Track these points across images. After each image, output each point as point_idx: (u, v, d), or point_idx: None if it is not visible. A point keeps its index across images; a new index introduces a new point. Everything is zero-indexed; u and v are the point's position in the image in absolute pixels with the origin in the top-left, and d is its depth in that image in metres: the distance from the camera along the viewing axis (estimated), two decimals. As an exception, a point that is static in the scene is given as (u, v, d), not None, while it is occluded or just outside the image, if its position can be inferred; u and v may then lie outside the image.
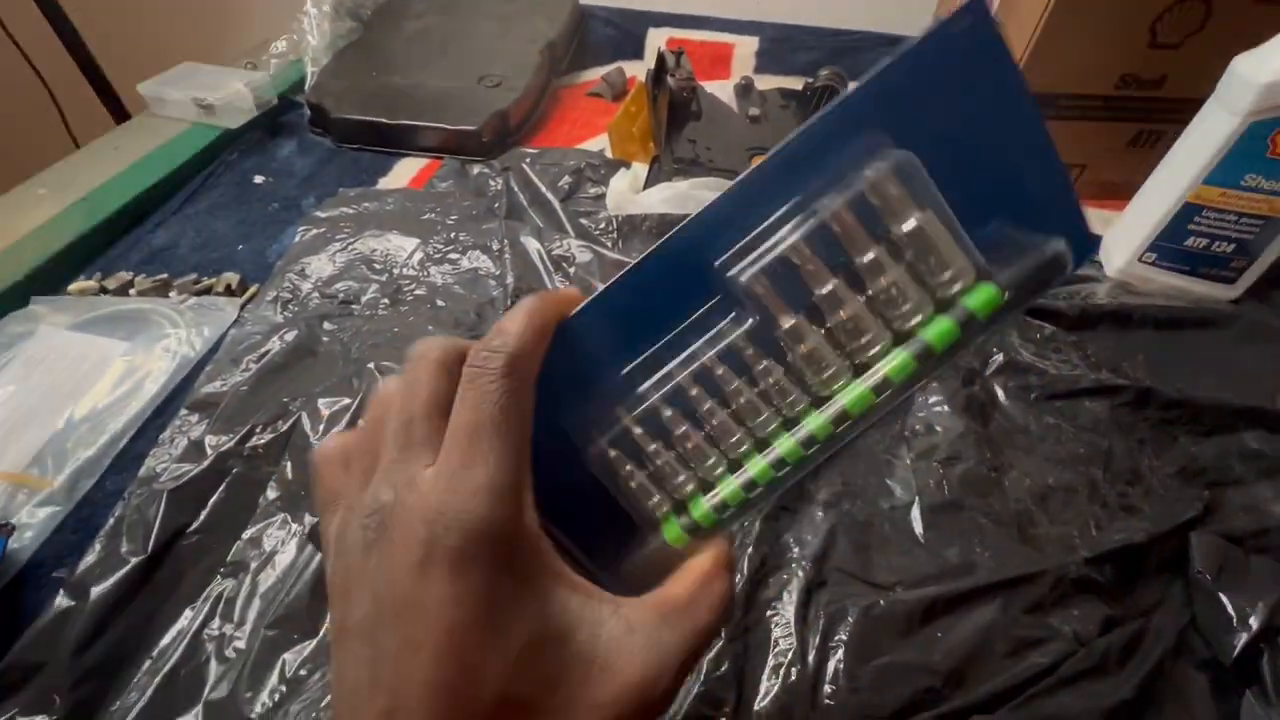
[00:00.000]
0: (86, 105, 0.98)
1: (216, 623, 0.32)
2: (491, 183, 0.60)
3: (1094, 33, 0.51)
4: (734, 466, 0.20)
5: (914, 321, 0.18)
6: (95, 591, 0.32)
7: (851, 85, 0.20)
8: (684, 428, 0.20)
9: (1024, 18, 0.52)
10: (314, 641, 0.31)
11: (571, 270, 0.50)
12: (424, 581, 0.16)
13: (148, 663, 0.31)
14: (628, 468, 0.20)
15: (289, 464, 0.38)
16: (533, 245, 0.51)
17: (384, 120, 0.65)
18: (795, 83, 0.74)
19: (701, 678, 0.30)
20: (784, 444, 0.19)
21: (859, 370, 0.19)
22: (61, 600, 0.32)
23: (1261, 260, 0.47)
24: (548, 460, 0.19)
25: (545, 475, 0.19)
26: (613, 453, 0.20)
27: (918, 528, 0.36)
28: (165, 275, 0.51)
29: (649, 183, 0.57)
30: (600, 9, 0.90)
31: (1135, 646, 0.31)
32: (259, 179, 0.63)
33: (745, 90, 0.71)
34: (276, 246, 0.55)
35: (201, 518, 0.36)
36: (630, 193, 0.57)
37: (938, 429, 0.40)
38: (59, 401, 0.41)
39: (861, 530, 0.35)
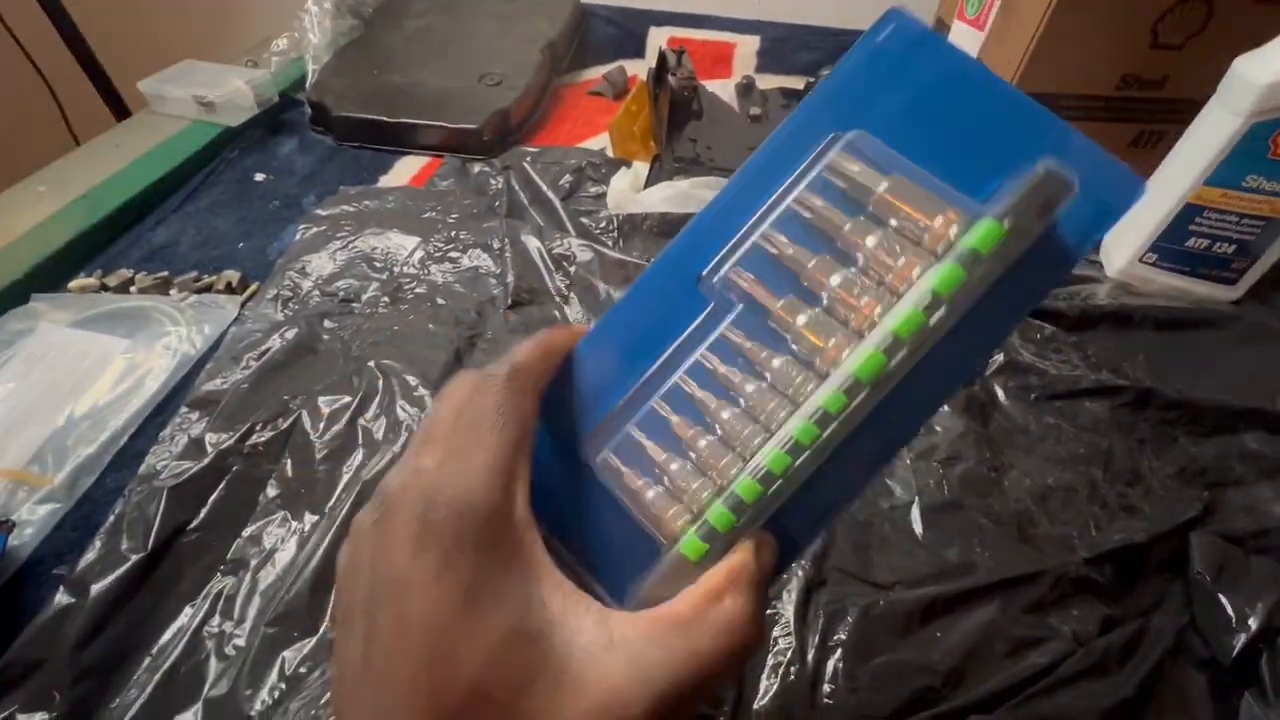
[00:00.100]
0: (87, 103, 0.98)
1: (216, 620, 0.32)
2: (492, 181, 0.60)
3: (1095, 33, 0.51)
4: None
5: (914, 276, 0.18)
6: (95, 588, 0.32)
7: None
8: (690, 431, 0.20)
9: (1025, 19, 0.52)
10: (313, 639, 0.31)
11: (572, 269, 0.50)
12: (416, 559, 0.16)
13: (147, 660, 0.31)
14: (639, 482, 0.20)
15: (289, 462, 0.38)
16: (533, 244, 0.51)
17: (385, 118, 0.65)
18: (796, 82, 0.74)
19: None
20: (798, 425, 0.18)
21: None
22: (61, 597, 0.32)
23: (1262, 261, 0.47)
24: (564, 485, 0.20)
25: (565, 503, 0.19)
26: (622, 466, 0.20)
27: (917, 527, 0.36)
28: (166, 273, 0.51)
29: (650, 182, 0.57)
30: (602, 8, 0.90)
31: (1134, 646, 0.31)
32: (260, 177, 0.63)
33: (746, 89, 0.71)
34: (277, 244, 0.55)
35: (202, 515, 0.36)
36: (631, 192, 0.57)
37: (937, 429, 0.40)
38: (59, 399, 0.41)
39: (861, 530, 0.35)
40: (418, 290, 0.49)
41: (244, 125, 0.67)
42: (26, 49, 1.02)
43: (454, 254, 0.52)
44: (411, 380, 0.41)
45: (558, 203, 0.56)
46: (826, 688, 0.30)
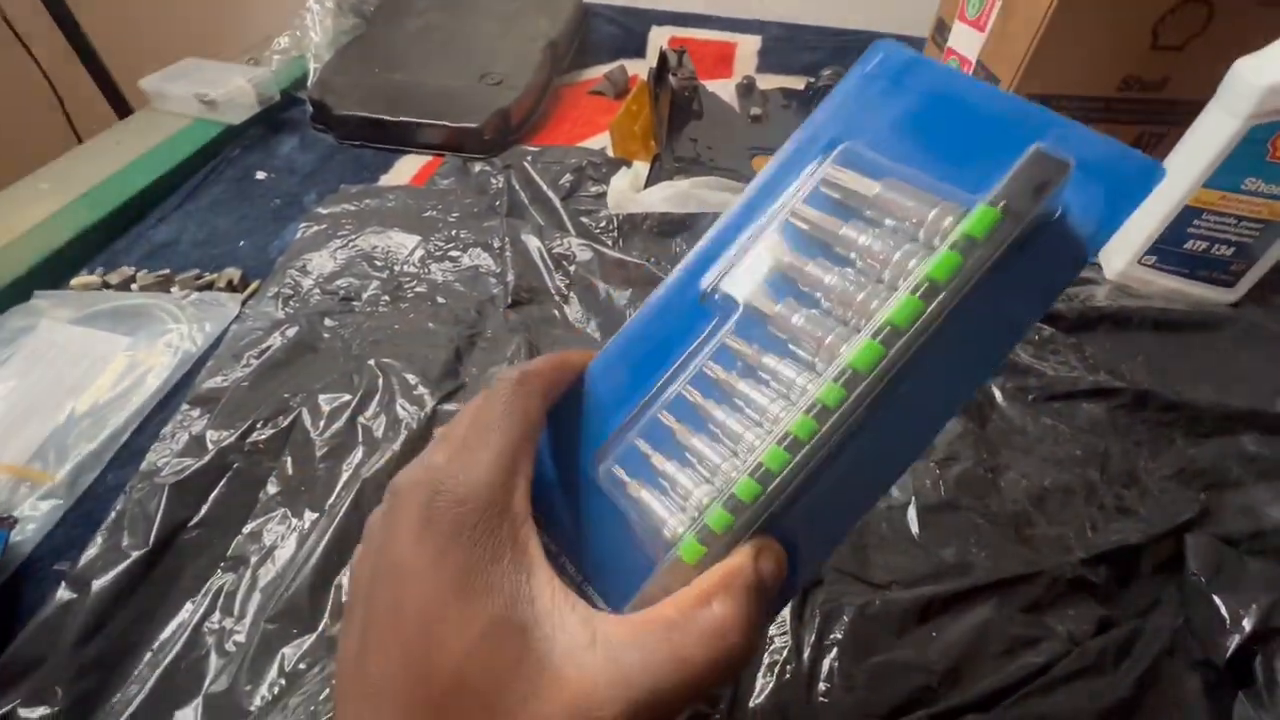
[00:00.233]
0: (89, 100, 0.99)
1: (217, 616, 0.33)
2: (493, 180, 0.60)
3: (1096, 35, 0.51)
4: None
5: (911, 266, 0.17)
6: (96, 585, 0.32)
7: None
8: (693, 439, 0.19)
9: (1026, 20, 0.52)
10: (313, 636, 0.32)
11: (572, 269, 0.50)
12: (417, 547, 0.16)
13: (148, 656, 0.31)
14: (642, 491, 0.20)
15: (289, 459, 0.38)
16: (533, 243, 0.51)
17: (386, 117, 0.65)
18: (797, 82, 0.74)
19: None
20: (795, 420, 0.17)
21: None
22: (62, 593, 0.32)
23: (1261, 264, 0.47)
24: (570, 502, 0.20)
25: (571, 519, 0.20)
26: (626, 477, 0.20)
27: (914, 527, 0.36)
28: (167, 271, 0.51)
29: (650, 181, 0.57)
30: (603, 7, 0.90)
31: (1130, 647, 0.31)
32: (261, 175, 0.63)
33: (747, 89, 0.71)
34: (278, 243, 0.55)
35: (202, 512, 0.36)
36: (631, 191, 0.57)
37: (935, 429, 0.40)
38: (61, 396, 0.42)
39: (858, 529, 0.35)
40: (418, 289, 0.49)
41: (245, 123, 0.67)
42: (29, 46, 1.02)
43: (454, 253, 0.52)
44: (411, 379, 0.42)
45: (558, 202, 0.56)
46: (822, 686, 0.30)
